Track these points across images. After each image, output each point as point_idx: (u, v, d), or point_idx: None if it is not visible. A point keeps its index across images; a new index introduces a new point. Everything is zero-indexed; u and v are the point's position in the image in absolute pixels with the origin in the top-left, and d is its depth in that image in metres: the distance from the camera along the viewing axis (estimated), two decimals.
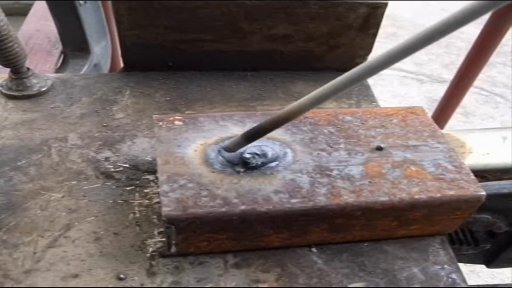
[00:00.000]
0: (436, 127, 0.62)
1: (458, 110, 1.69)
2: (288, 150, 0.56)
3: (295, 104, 0.48)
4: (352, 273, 0.52)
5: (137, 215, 0.57)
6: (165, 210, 0.48)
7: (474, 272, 1.67)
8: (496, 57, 2.88)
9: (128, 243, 0.53)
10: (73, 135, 0.68)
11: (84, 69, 1.15)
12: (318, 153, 0.56)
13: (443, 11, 3.47)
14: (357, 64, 0.85)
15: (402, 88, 2.80)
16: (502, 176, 0.67)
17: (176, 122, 0.58)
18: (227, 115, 0.61)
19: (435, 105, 1.63)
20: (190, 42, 0.79)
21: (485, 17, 1.30)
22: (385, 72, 2.83)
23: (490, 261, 0.72)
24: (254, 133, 0.52)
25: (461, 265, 0.56)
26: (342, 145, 0.58)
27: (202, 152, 0.55)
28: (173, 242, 0.50)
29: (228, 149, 0.54)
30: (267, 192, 0.51)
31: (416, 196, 0.52)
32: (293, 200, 0.50)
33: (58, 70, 1.15)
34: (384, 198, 0.51)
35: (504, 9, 1.24)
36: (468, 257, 0.70)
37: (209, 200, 0.49)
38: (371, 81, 0.85)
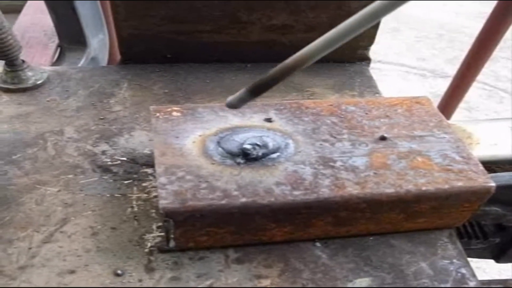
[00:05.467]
0: (442, 117, 0.60)
1: (462, 105, 1.67)
2: (290, 141, 0.54)
3: (304, 49, 0.42)
4: (357, 268, 0.50)
5: (135, 209, 0.55)
6: (163, 203, 0.46)
7: (480, 269, 1.65)
8: (500, 52, 2.85)
9: (125, 238, 0.52)
10: (70, 128, 0.66)
11: (81, 62, 1.14)
12: (321, 144, 0.54)
13: (444, 6, 3.45)
14: (359, 55, 0.84)
15: (404, 83, 2.77)
16: (511, 168, 0.65)
17: (174, 113, 0.57)
18: None
19: (438, 100, 1.61)
20: (188, 33, 0.77)
21: (488, 11, 1.28)
22: (387, 67, 2.83)
23: (499, 256, 0.70)
24: (260, 84, 0.46)
25: None
26: (345, 136, 0.56)
27: (201, 143, 0.53)
28: (172, 236, 0.48)
29: (231, 105, 0.49)
30: (269, 184, 0.49)
31: (423, 188, 0.50)
32: (296, 192, 0.48)
33: (55, 63, 1.13)
34: (390, 190, 0.50)
35: (507, 3, 1.21)
36: (477, 251, 0.68)
37: (208, 193, 0.47)
38: (373, 76, 0.83)
